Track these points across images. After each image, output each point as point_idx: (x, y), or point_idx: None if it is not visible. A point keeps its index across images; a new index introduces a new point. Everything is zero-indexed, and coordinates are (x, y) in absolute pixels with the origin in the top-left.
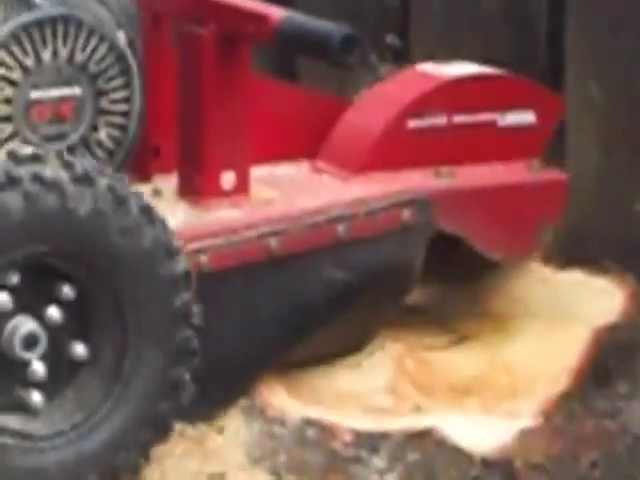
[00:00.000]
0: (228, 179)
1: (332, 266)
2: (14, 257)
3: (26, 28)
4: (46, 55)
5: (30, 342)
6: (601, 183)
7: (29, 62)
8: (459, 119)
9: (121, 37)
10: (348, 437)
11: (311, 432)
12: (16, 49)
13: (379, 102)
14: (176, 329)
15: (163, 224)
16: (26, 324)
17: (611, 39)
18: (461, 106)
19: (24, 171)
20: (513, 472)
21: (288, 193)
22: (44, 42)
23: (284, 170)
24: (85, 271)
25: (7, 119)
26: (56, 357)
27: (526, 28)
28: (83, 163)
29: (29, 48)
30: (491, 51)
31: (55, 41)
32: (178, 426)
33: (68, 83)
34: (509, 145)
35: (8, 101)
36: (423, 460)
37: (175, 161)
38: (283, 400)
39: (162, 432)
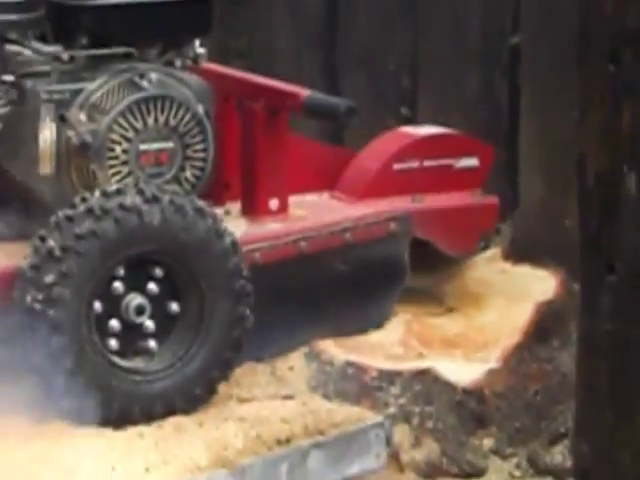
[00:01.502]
0: (274, 203)
1: (341, 261)
2: (158, 253)
3: (137, 103)
4: (150, 121)
5: (140, 310)
6: (543, 206)
7: (139, 125)
8: (427, 163)
9: (200, 108)
10: (374, 374)
11: (350, 370)
12: (130, 117)
13: (375, 152)
14: (233, 281)
15: (213, 216)
16: (134, 299)
17: (551, 111)
18: (429, 154)
19: (166, 196)
20: (483, 397)
21: (314, 212)
22: (149, 112)
23: (312, 198)
24: (170, 257)
25: (125, 163)
26: (160, 315)
27: (493, 104)
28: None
29: (138, 116)
30: (469, 119)
31: (156, 111)
32: (263, 366)
33: (165, 139)
34: (461, 180)
35: (125, 151)
36: (424, 389)
37: (239, 192)
38: (332, 349)
39: (238, 351)
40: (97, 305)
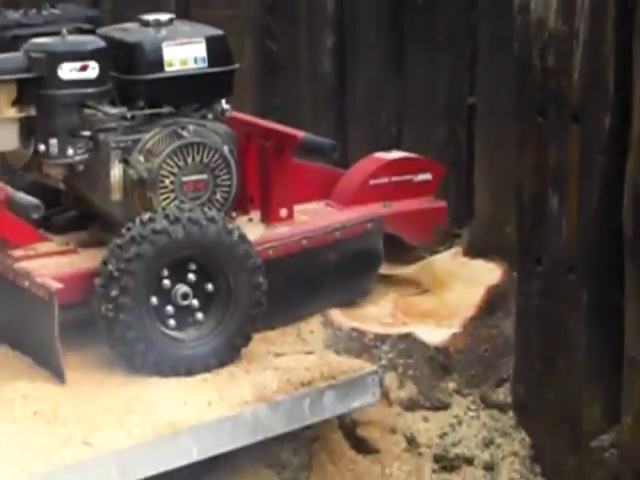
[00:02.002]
0: (283, 212)
1: (332, 253)
2: (189, 254)
3: (179, 148)
4: (189, 160)
5: (185, 296)
6: (491, 218)
7: (181, 164)
8: (394, 179)
9: (225, 149)
10: (371, 336)
11: (354, 334)
12: (174, 157)
13: (357, 171)
14: (246, 261)
15: (222, 220)
16: (181, 288)
17: (498, 151)
18: (395, 172)
19: (185, 215)
20: (448, 353)
21: (313, 217)
22: (188, 153)
23: (313, 206)
24: (198, 255)
25: (172, 191)
26: (201, 294)
27: (456, 146)
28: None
29: (180, 157)
30: (439, 157)
31: (193, 153)
32: (291, 330)
33: (200, 172)
34: (419, 190)
35: (172, 182)
36: (406, 347)
37: (259, 204)
38: (341, 318)
39: (260, 308)
40: (154, 300)
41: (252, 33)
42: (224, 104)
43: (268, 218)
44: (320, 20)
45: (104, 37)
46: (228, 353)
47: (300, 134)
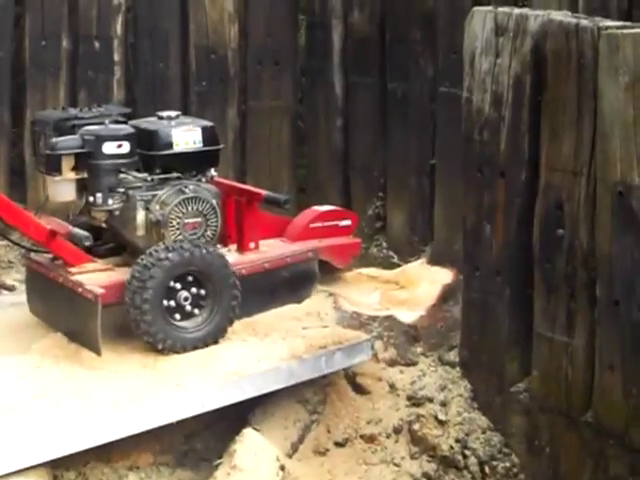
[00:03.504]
0: (252, 245)
1: (285, 272)
2: (188, 271)
3: (183, 200)
4: (189, 208)
5: (186, 298)
6: (446, 240)
7: (184, 210)
8: (326, 223)
9: (214, 201)
10: (366, 316)
11: (355, 315)
12: (180, 206)
13: (301, 218)
14: (228, 277)
15: (215, 250)
16: (183, 294)
17: (452, 194)
18: (327, 219)
19: (189, 245)
20: (417, 328)
21: (272, 248)
22: (188, 204)
23: (272, 241)
24: (197, 272)
25: (178, 229)
26: (197, 296)
27: (423, 194)
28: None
29: (184, 206)
30: (412, 201)
31: (192, 204)
32: (314, 313)
33: (197, 216)
34: (343, 231)
35: (178, 223)
36: (389, 324)
37: (235, 239)
38: (346, 305)
39: (237, 301)
40: (165, 301)
41: (288, 117)
42: (212, 171)
43: (241, 248)
44: (333, 108)
45: (133, 126)
46: (220, 334)
47: (263, 192)
